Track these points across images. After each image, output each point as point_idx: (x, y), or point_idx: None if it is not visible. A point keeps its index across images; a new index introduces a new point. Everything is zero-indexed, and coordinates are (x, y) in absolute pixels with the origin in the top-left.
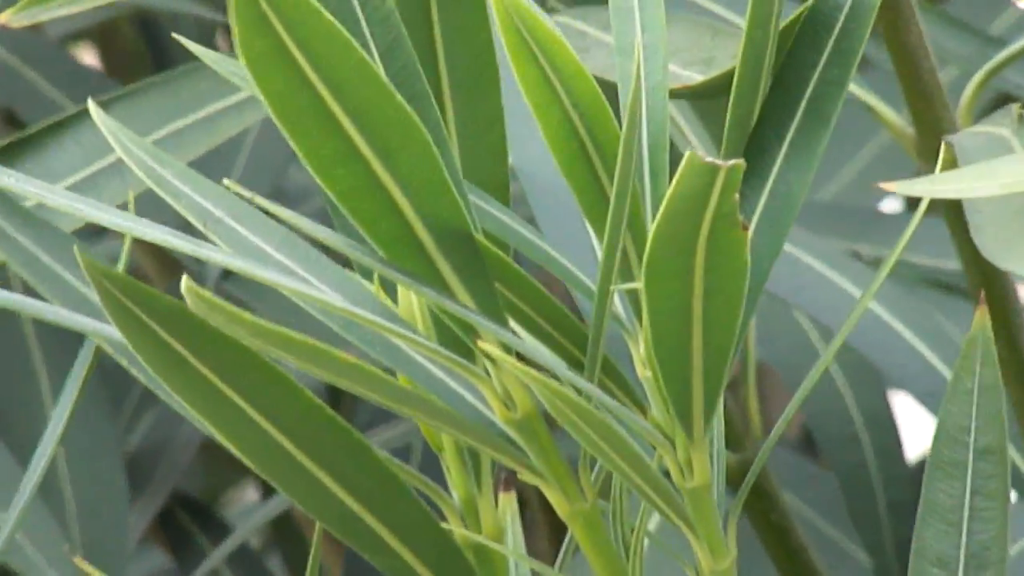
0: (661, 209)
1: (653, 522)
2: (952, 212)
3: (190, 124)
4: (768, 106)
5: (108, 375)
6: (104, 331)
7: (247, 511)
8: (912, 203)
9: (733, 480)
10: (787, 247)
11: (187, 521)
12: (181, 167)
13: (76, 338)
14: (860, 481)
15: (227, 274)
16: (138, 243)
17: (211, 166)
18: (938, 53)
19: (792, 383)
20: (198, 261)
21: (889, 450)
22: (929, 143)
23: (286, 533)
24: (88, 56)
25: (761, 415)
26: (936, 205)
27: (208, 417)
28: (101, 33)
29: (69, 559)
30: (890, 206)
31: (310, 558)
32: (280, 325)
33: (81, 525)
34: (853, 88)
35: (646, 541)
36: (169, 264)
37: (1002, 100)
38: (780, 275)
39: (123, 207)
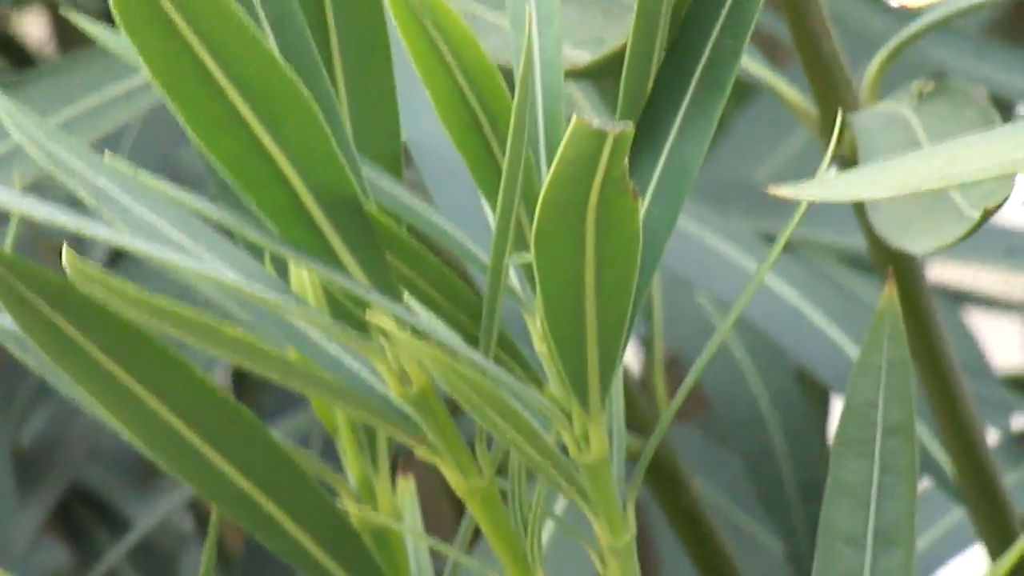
0: (548, 175)
1: (560, 505)
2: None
3: (82, 112)
4: (661, 78)
5: None
6: None
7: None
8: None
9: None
10: (693, 227)
11: (86, 517)
12: (75, 145)
13: None
14: (767, 464)
15: (117, 257)
16: (41, 244)
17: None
18: (852, 27)
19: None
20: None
21: (798, 432)
22: (830, 122)
23: (202, 519)
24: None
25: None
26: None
27: (98, 398)
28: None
29: None
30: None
31: (204, 547)
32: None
33: None
34: (751, 66)
35: (548, 518)
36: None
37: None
38: (685, 257)
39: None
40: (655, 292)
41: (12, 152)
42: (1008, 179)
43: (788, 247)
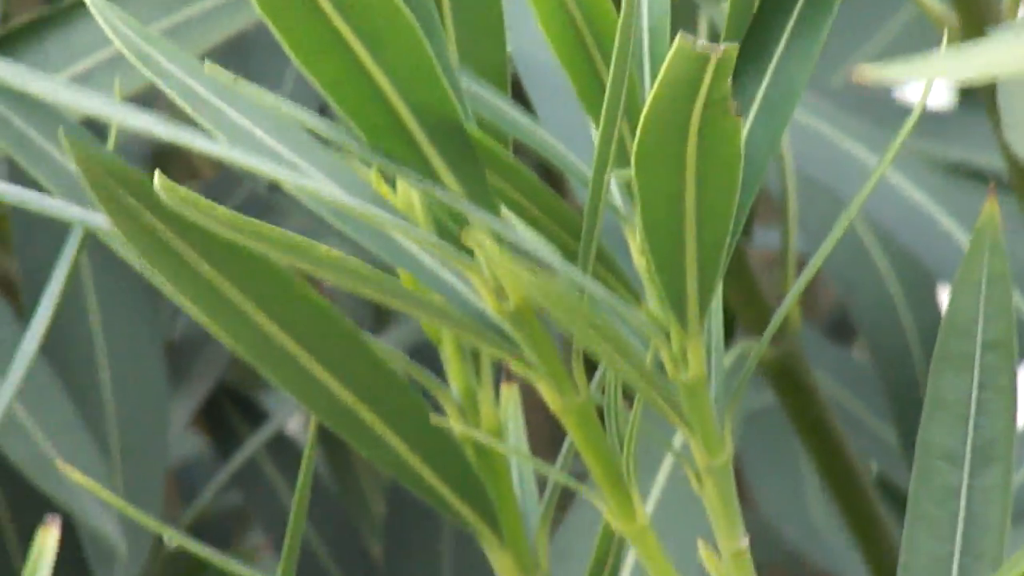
0: (650, 95)
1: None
2: (993, 107)
3: (187, 19)
4: None
5: None
6: (96, 219)
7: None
8: (962, 96)
9: (772, 375)
10: (825, 129)
11: (230, 411)
12: (176, 53)
13: None
14: (901, 366)
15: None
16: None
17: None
18: None
19: (833, 274)
20: None
21: (934, 336)
22: (972, 33)
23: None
24: None
25: (802, 308)
26: (980, 98)
27: (198, 305)
28: None
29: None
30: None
31: (305, 453)
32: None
33: (119, 415)
34: None
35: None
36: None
37: None
38: (818, 158)
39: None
40: (790, 192)
41: (114, 59)
42: None
43: (916, 157)
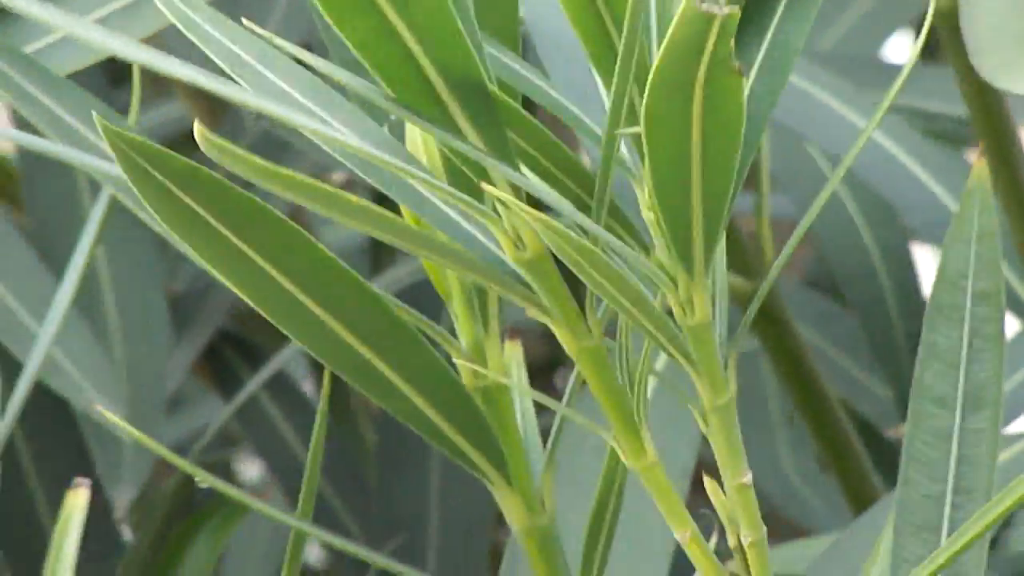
0: (658, 56)
1: (660, 362)
2: (959, 57)
3: None
4: None
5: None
6: (118, 175)
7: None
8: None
9: (745, 306)
10: (804, 84)
11: (231, 356)
12: (209, 10)
13: None
14: (879, 314)
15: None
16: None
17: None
18: None
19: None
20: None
21: (906, 283)
22: None
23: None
24: None
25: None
26: (944, 53)
27: (220, 268)
28: None
29: (116, 391)
30: (894, 56)
31: (320, 407)
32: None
33: (127, 353)
34: None
35: (651, 378)
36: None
37: None
38: (796, 111)
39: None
40: (764, 146)
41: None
42: None
43: (897, 113)
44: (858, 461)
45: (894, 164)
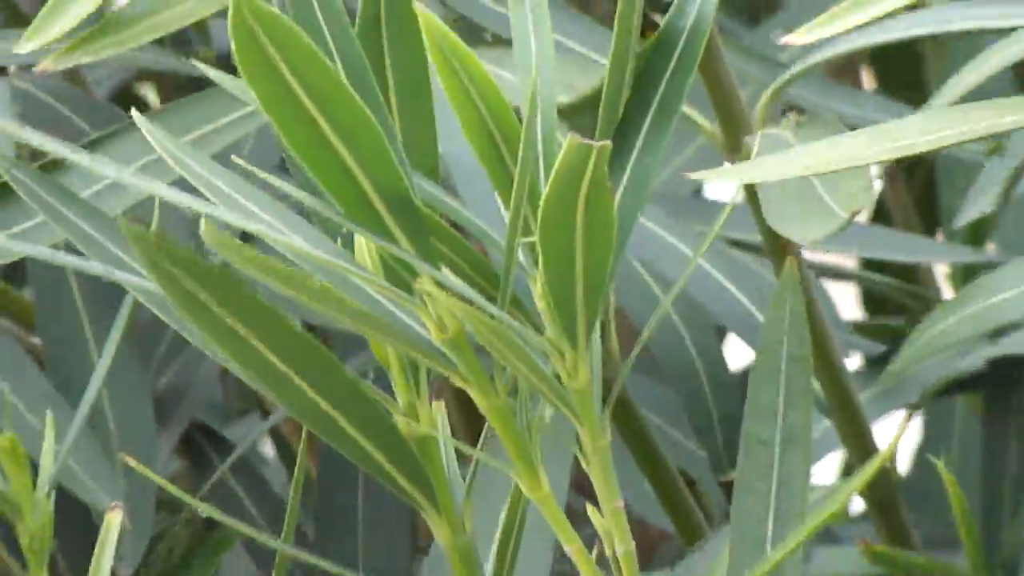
0: (551, 178)
1: (549, 414)
2: (755, 199)
3: (208, 131)
4: (629, 107)
5: (140, 334)
6: (139, 284)
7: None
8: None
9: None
10: (643, 220)
11: (203, 443)
12: (197, 155)
13: (115, 299)
14: (696, 393)
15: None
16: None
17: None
18: (740, 75)
19: (641, 325)
20: None
21: (719, 375)
22: (733, 143)
23: (281, 447)
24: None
25: (620, 347)
26: (744, 192)
27: (217, 342)
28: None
29: (112, 480)
30: (711, 195)
31: (298, 456)
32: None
33: (123, 447)
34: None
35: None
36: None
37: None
38: (634, 242)
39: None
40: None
41: (152, 165)
42: (869, 186)
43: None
44: (685, 500)
45: (708, 278)
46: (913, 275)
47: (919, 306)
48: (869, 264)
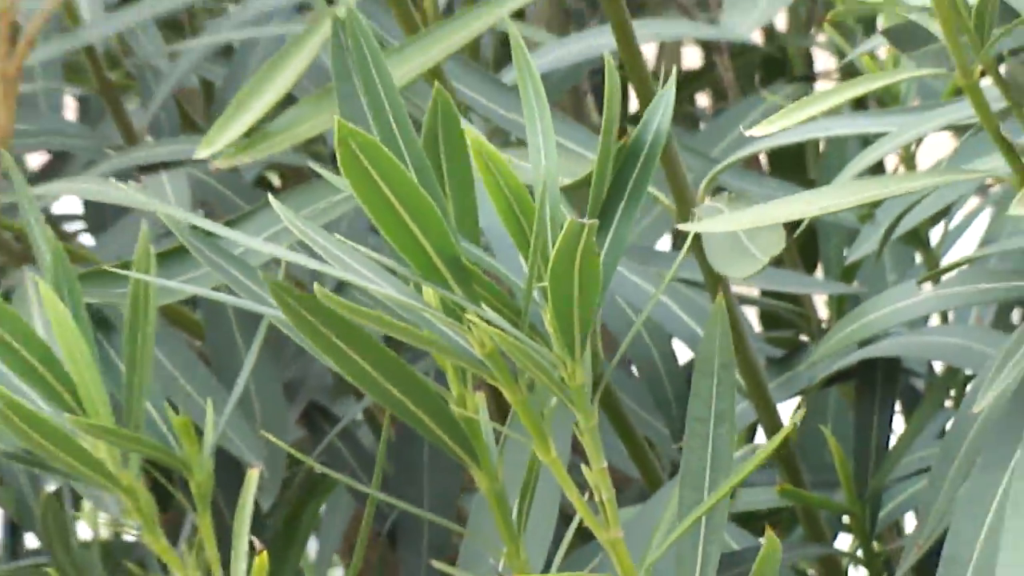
0: (556, 246)
1: (555, 403)
2: (698, 248)
3: (319, 209)
4: (611, 190)
5: (273, 343)
6: (272, 313)
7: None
8: (675, 243)
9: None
10: (619, 268)
11: (317, 417)
12: (318, 229)
13: (256, 321)
14: (658, 385)
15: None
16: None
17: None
18: (688, 165)
19: (620, 338)
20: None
21: (671, 367)
22: (684, 212)
23: (371, 420)
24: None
25: (604, 353)
26: (688, 243)
27: (328, 355)
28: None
29: (255, 444)
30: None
31: (383, 427)
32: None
33: (262, 421)
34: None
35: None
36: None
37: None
38: (614, 283)
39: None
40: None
41: (281, 231)
42: (781, 238)
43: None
44: (649, 458)
45: (665, 306)
46: (800, 301)
47: (804, 323)
48: (767, 293)
